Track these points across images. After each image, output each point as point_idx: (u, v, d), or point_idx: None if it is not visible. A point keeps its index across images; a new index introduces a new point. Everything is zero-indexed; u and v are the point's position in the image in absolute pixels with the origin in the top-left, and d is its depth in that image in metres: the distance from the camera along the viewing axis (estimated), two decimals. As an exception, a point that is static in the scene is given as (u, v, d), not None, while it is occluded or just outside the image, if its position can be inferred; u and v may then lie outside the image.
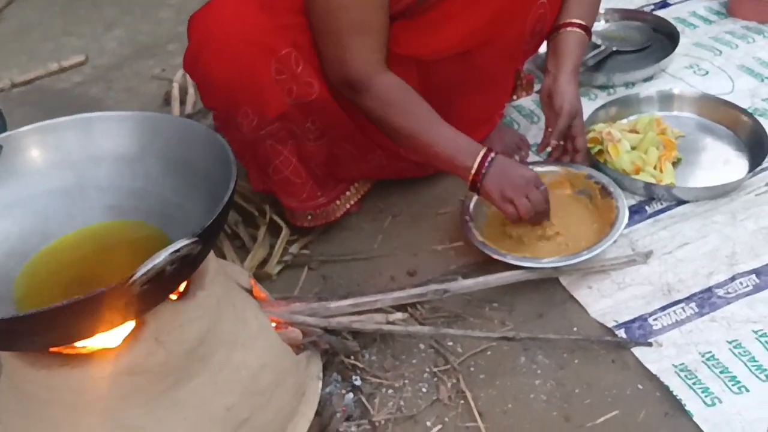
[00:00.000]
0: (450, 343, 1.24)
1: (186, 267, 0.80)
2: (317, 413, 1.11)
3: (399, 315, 1.22)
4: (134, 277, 0.70)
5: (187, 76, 1.89)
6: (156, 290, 0.78)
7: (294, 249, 1.44)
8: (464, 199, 1.42)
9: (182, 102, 1.86)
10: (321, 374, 1.15)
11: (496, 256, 1.28)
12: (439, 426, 1.12)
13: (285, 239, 1.43)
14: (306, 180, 1.37)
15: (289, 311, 1.15)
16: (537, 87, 1.68)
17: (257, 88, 1.22)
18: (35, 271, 0.95)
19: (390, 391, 1.18)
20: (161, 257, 0.70)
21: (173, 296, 0.92)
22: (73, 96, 2.01)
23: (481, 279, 1.26)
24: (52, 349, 0.88)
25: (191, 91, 1.87)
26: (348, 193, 1.49)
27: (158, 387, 0.90)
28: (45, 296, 0.91)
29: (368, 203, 1.54)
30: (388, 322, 1.20)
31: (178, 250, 0.71)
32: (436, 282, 1.28)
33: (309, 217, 1.42)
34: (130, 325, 0.89)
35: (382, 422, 1.13)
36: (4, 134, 0.99)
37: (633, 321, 1.22)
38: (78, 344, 0.87)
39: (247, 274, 1.10)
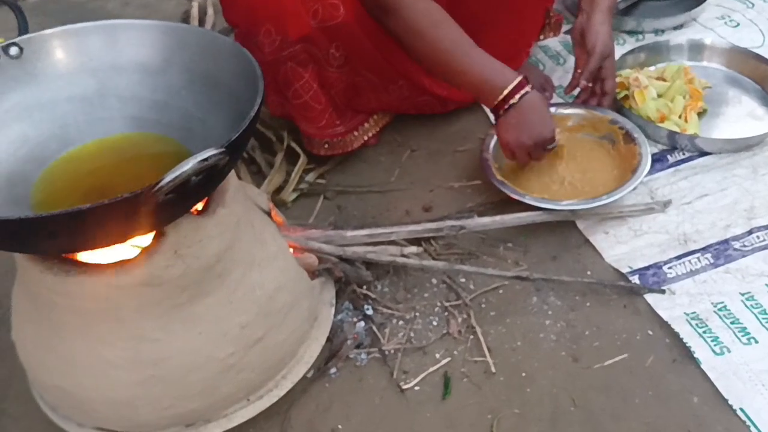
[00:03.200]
0: (462, 280, 1.24)
1: (210, 180, 0.79)
2: (328, 339, 1.12)
3: (413, 248, 1.22)
4: (160, 184, 0.68)
5: (207, -3, 1.85)
6: (179, 201, 0.77)
7: (310, 177, 1.43)
8: (484, 137, 1.40)
9: (201, 22, 1.82)
10: (334, 301, 1.15)
11: (514, 196, 1.27)
12: (448, 359, 1.12)
13: (302, 167, 1.41)
14: (325, 107, 1.34)
15: (306, 237, 1.15)
16: (565, 28, 1.64)
17: (281, 7, 1.19)
18: (53, 177, 0.94)
19: (401, 322, 1.18)
20: (189, 165, 0.68)
21: (194, 211, 0.91)
22: (88, 9, 1.96)
23: (498, 218, 1.25)
24: (70, 256, 0.88)
25: (210, 11, 1.83)
26: (366, 124, 1.47)
27: (174, 300, 0.90)
28: (62, 202, 0.90)
29: (386, 136, 1.52)
30: (402, 255, 1.20)
31: (206, 159, 0.69)
32: (451, 218, 1.27)
33: (326, 146, 1.40)
34: (150, 237, 0.88)
35: (392, 351, 1.14)
36: (26, 36, 0.96)
37: (647, 268, 1.21)
38: (96, 253, 0.86)
39: (266, 196, 1.09)
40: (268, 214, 1.06)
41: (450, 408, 1.07)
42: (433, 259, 1.26)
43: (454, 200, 1.38)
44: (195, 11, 1.83)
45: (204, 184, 0.78)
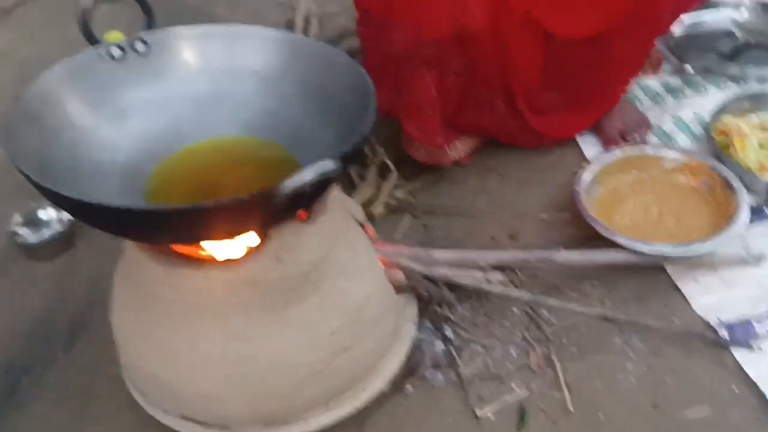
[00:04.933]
0: (544, 313, 1.22)
1: (319, 190, 0.81)
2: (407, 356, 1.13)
3: (498, 275, 1.22)
4: (280, 189, 0.71)
5: (312, 7, 1.90)
6: (289, 207, 0.79)
7: (399, 194, 1.44)
8: (577, 170, 1.39)
9: (304, 32, 1.87)
10: (416, 319, 1.16)
11: (605, 234, 1.25)
12: (525, 391, 1.11)
13: (393, 182, 1.43)
14: (434, 114, 1.35)
15: (394, 252, 1.16)
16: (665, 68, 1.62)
17: (422, 5, 1.19)
18: (167, 171, 0.98)
19: (479, 348, 1.18)
20: (310, 174, 0.70)
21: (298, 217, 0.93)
22: (201, 12, 2.04)
23: (588, 254, 1.23)
24: (178, 249, 0.92)
25: (314, 21, 1.87)
26: (459, 143, 1.47)
27: (272, 303, 0.93)
28: (175, 196, 0.94)
29: (476, 160, 1.52)
30: (487, 281, 1.20)
31: (324, 171, 0.71)
32: (538, 249, 1.27)
33: (423, 151, 1.41)
34: (254, 238, 0.91)
35: (469, 376, 1.14)
36: (152, 32, 1.01)
37: (737, 322, 1.18)
38: (205, 247, 0.90)
39: (360, 208, 1.11)
40: (362, 226, 1.08)
41: (523, 440, 1.06)
42: (516, 288, 1.26)
43: (541, 231, 1.37)
44: (299, 20, 1.87)
45: (312, 194, 0.80)
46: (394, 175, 1.44)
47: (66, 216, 1.40)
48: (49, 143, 0.87)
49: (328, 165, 0.71)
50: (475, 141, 1.50)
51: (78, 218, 0.83)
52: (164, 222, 0.75)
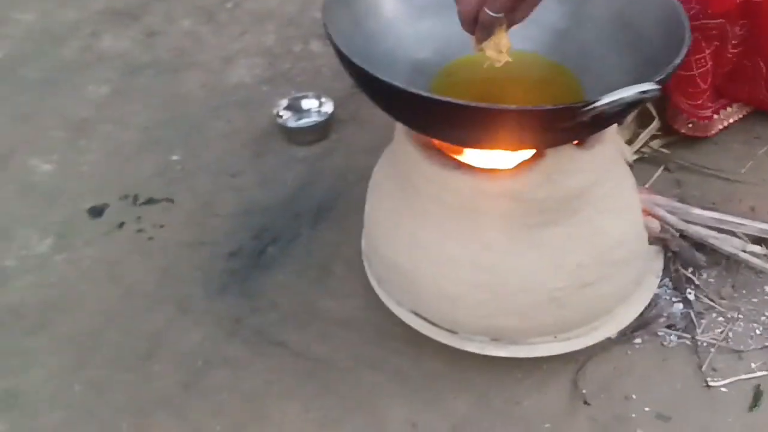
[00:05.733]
0: (799, 298, 1.13)
1: (619, 115, 0.78)
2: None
3: (757, 248, 1.13)
4: (595, 105, 0.69)
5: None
6: (581, 128, 0.77)
7: (655, 144, 1.37)
8: None
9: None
10: (660, 274, 1.11)
11: None
12: (765, 372, 1.04)
13: (652, 131, 1.36)
14: (708, 87, 1.28)
15: (651, 201, 1.11)
16: None
17: None
18: (450, 76, 0.99)
19: (720, 318, 1.11)
20: (629, 92, 0.68)
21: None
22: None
23: None
24: (448, 151, 0.93)
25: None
26: (728, 109, 1.38)
27: (528, 220, 0.92)
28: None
29: (745, 126, 1.40)
30: (744, 251, 1.12)
31: (645, 92, 0.68)
32: (807, 230, 1.16)
33: (690, 125, 1.33)
34: (529, 153, 0.90)
35: (704, 344, 1.07)
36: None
37: None
38: (476, 154, 0.90)
39: (629, 148, 1.06)
40: (631, 166, 1.04)
41: (755, 421, 0.99)
42: (772, 265, 1.16)
43: (811, 211, 1.25)
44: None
45: (611, 118, 0.77)
46: (654, 124, 1.36)
47: (325, 109, 1.48)
48: (353, 29, 0.90)
49: (649, 86, 0.68)
50: (743, 109, 1.39)
51: (374, 99, 0.86)
52: (454, 118, 0.76)
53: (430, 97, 0.74)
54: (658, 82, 0.73)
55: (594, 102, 0.69)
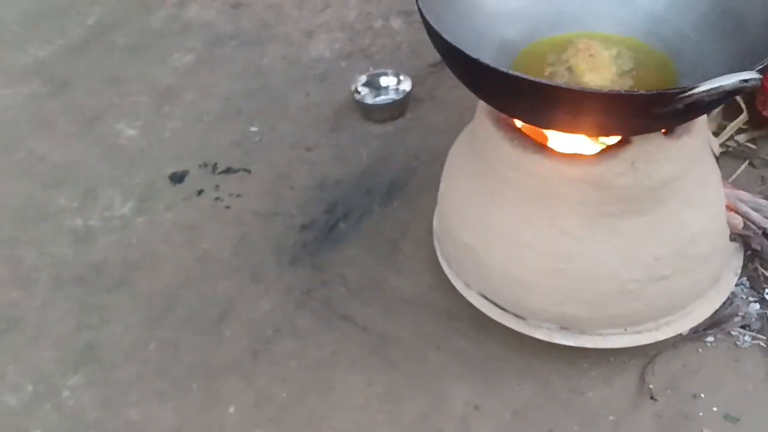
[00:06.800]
0: None
1: (715, 104, 0.75)
2: (717, 307, 1.06)
3: None
4: (693, 91, 0.66)
5: None
6: (674, 115, 0.75)
7: (741, 138, 1.32)
8: None
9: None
10: (739, 271, 1.07)
11: None
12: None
13: (739, 124, 1.31)
14: None
15: (736, 196, 1.07)
16: None
17: None
18: (534, 54, 0.97)
19: (799, 322, 1.07)
20: (731, 80, 0.65)
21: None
22: None
23: None
24: (531, 134, 0.92)
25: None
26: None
27: (608, 208, 0.90)
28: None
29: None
30: (830, 255, 1.07)
31: (747, 80, 0.65)
32: None
33: None
34: (614, 139, 0.88)
35: (780, 346, 1.04)
36: None
37: None
38: (558, 138, 0.89)
39: (717, 141, 1.03)
40: (717, 159, 1.00)
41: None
42: None
43: None
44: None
45: (706, 106, 0.75)
46: (742, 117, 1.31)
47: (403, 87, 1.48)
48: (442, 6, 0.90)
49: (750, 75, 0.65)
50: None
51: (460, 76, 0.85)
52: (542, 98, 0.75)
53: (518, 76, 0.73)
54: (760, 71, 0.71)
55: (691, 89, 0.67)
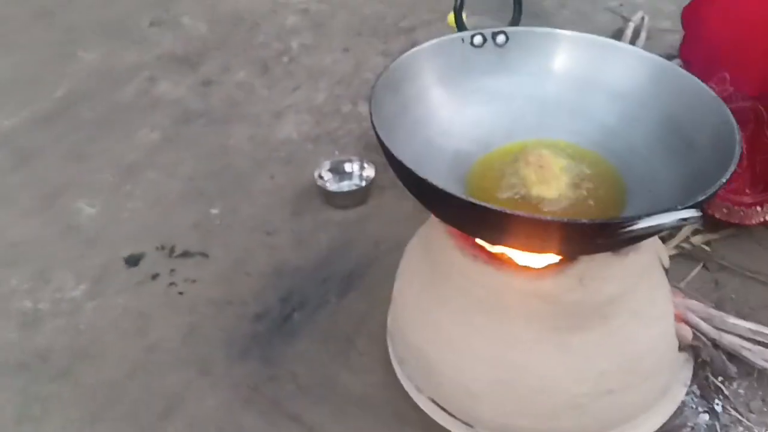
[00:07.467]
0: (834, 421, 1.08)
1: (653, 234, 0.76)
2: (667, 418, 1.05)
3: (793, 363, 1.09)
4: (633, 227, 0.67)
5: (645, 20, 1.81)
6: (619, 243, 0.76)
7: (696, 240, 1.34)
8: None
9: (631, 44, 1.79)
10: (688, 382, 1.08)
11: None
12: (792, 499, 1.00)
13: (693, 227, 1.33)
14: (744, 171, 1.25)
15: (685, 306, 1.08)
16: None
17: (751, 60, 1.12)
18: (489, 164, 0.99)
19: (747, 432, 1.07)
20: (669, 219, 0.67)
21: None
22: (528, 2, 2.03)
23: None
24: (483, 243, 0.93)
25: (643, 35, 1.78)
26: (771, 204, 1.34)
27: (557, 322, 0.91)
28: (490, 192, 0.94)
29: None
30: (780, 366, 1.08)
31: (685, 219, 0.67)
32: None
33: (725, 210, 1.30)
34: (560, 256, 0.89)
35: (731, 461, 1.04)
36: (514, 28, 1.01)
37: None
38: (508, 251, 0.90)
39: (667, 253, 1.04)
40: (666, 272, 1.02)
41: None
42: (808, 383, 1.12)
43: None
44: (629, 32, 1.80)
45: (644, 237, 0.76)
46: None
47: (367, 174, 1.49)
48: (400, 113, 0.92)
49: (691, 213, 0.67)
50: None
51: (407, 187, 0.86)
52: (481, 218, 0.75)
53: (453, 196, 0.74)
54: (701, 203, 0.72)
55: (632, 224, 0.68)
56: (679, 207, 0.69)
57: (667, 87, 0.95)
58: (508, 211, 0.72)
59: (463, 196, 0.74)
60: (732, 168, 0.78)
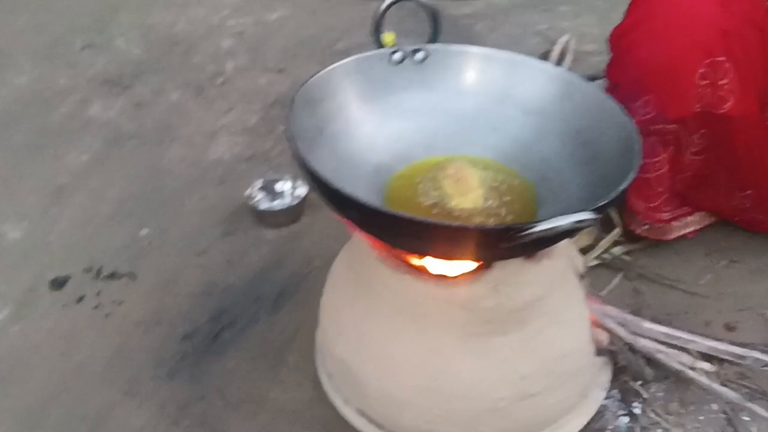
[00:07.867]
0: (745, 418, 1.12)
1: (562, 236, 0.80)
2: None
3: (706, 365, 1.14)
4: (532, 230, 0.70)
5: (570, 42, 1.88)
6: (526, 247, 0.79)
7: (616, 250, 1.39)
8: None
9: (557, 65, 1.86)
10: (608, 386, 1.11)
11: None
12: (707, 496, 1.03)
13: (614, 237, 1.38)
14: (665, 191, 1.30)
15: (602, 312, 1.12)
16: None
17: (674, 85, 1.16)
18: (408, 178, 1.01)
19: (666, 435, 1.11)
20: (565, 222, 0.70)
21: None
22: (460, 26, 2.09)
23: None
24: (403, 255, 0.95)
25: (569, 57, 1.85)
26: (690, 218, 1.39)
27: (475, 328, 0.93)
28: (408, 204, 0.96)
29: (707, 235, 1.42)
30: (692, 368, 1.12)
31: (581, 221, 0.70)
32: (758, 349, 1.17)
33: (646, 227, 1.35)
34: (475, 264, 0.92)
35: (648, 461, 1.07)
36: (433, 45, 1.04)
37: None
38: (427, 260, 0.92)
39: (582, 260, 1.08)
40: (581, 278, 1.05)
41: None
42: (722, 384, 1.16)
43: (764, 329, 1.26)
44: (555, 54, 1.86)
45: (554, 239, 0.79)
46: (616, 231, 1.39)
47: (298, 192, 1.51)
48: (320, 128, 0.93)
49: (585, 216, 0.70)
50: (707, 219, 1.41)
51: (324, 199, 0.88)
52: (399, 229, 0.78)
53: (374, 208, 0.76)
54: (598, 210, 0.75)
55: (530, 228, 0.71)
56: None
57: (576, 102, 0.99)
58: (417, 219, 0.74)
59: (375, 205, 0.76)
60: (632, 175, 0.82)
